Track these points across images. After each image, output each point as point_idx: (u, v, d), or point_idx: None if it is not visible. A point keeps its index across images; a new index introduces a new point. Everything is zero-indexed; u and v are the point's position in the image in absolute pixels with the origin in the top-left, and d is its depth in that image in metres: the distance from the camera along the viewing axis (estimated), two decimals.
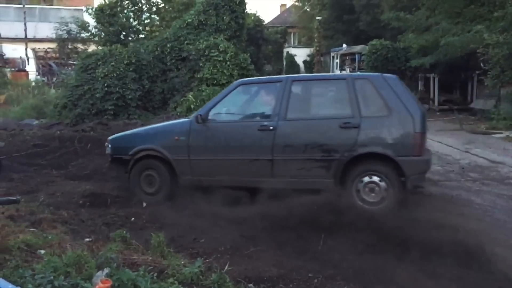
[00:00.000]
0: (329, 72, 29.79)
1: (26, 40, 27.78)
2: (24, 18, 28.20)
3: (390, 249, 4.05)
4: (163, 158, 6.02)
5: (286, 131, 5.67)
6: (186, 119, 6.55)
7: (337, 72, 27.18)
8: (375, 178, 5.36)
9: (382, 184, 5.33)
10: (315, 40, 34.21)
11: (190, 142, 5.93)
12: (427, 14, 16.71)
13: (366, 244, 4.15)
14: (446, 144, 10.58)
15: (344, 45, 26.82)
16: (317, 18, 32.79)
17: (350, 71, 24.17)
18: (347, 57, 26.05)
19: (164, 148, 6.01)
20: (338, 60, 27.97)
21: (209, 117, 5.96)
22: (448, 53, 14.82)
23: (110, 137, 6.73)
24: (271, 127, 5.67)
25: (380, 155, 5.38)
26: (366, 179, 5.40)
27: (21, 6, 30.30)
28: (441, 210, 5.36)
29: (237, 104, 6.30)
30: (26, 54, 27.06)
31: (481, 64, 14.18)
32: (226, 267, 3.70)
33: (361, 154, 5.42)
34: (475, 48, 13.89)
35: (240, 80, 6.85)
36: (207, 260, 3.98)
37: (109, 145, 6.46)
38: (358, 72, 5.48)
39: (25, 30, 27.94)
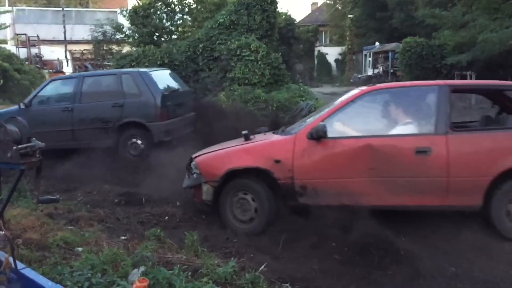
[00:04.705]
0: (361, 71, 29.54)
1: (65, 42, 28.55)
2: (63, 21, 28.97)
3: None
4: None
5: (80, 110, 8.41)
6: (16, 106, 8.91)
7: (370, 70, 26.88)
8: (136, 139, 8.25)
9: (139, 142, 8.25)
10: (347, 38, 33.84)
11: None
12: (463, 10, 16.23)
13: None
14: None
15: (377, 43, 26.45)
16: (349, 16, 32.42)
17: (383, 70, 23.84)
18: (380, 55, 25.67)
19: None
20: (370, 59, 27.62)
21: (32, 104, 8.58)
22: (485, 50, 14.36)
23: None
24: (70, 108, 8.44)
25: (137, 123, 8.20)
26: (133, 139, 8.27)
27: (58, 9, 31.17)
28: None
29: (50, 94, 8.86)
30: (66, 56, 27.79)
31: None
32: (261, 267, 3.68)
33: (125, 122, 8.23)
34: None
35: (51, 78, 10.09)
36: (241, 260, 3.98)
37: None
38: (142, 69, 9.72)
39: (64, 32, 28.72)
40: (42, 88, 8.94)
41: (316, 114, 5.33)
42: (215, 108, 10.83)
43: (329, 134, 4.71)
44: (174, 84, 9.43)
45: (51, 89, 8.91)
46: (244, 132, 5.29)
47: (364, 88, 5.40)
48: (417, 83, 6.26)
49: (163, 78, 9.08)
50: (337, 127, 4.89)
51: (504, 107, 5.47)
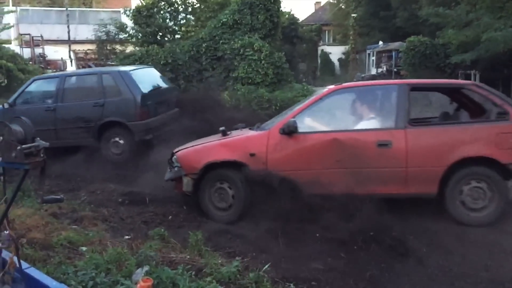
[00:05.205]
0: (365, 70, 29.48)
1: (69, 42, 28.59)
2: (67, 21, 29.01)
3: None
4: None
5: (62, 110, 8.46)
6: (0, 106, 9.00)
7: (373, 69, 26.81)
8: (118, 139, 8.28)
9: (121, 141, 8.28)
10: (351, 37, 33.73)
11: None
12: (467, 9, 16.15)
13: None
14: None
15: (381, 42, 26.35)
16: (353, 15, 32.32)
17: (387, 69, 23.78)
18: (384, 55, 25.56)
19: None
20: (374, 58, 27.54)
21: (16, 104, 8.67)
22: (490, 49, 14.28)
23: None
24: (52, 108, 8.49)
25: (118, 122, 8.23)
26: (115, 138, 8.29)
27: (62, 9, 31.20)
28: None
29: (33, 94, 8.95)
30: (70, 56, 27.81)
31: None
32: (265, 267, 3.67)
33: (106, 122, 8.28)
34: None
35: (34, 77, 9.93)
36: (244, 259, 3.98)
37: None
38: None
39: (68, 32, 28.72)
40: (25, 88, 9.00)
41: (288, 111, 5.76)
42: (208, 103, 10.78)
43: (300, 129, 5.16)
44: (156, 82, 9.46)
45: (34, 89, 8.97)
46: (221, 128, 5.69)
47: (332, 86, 5.78)
48: (380, 82, 6.92)
49: (144, 76, 9.08)
50: (307, 123, 5.35)
51: (461, 104, 5.83)
